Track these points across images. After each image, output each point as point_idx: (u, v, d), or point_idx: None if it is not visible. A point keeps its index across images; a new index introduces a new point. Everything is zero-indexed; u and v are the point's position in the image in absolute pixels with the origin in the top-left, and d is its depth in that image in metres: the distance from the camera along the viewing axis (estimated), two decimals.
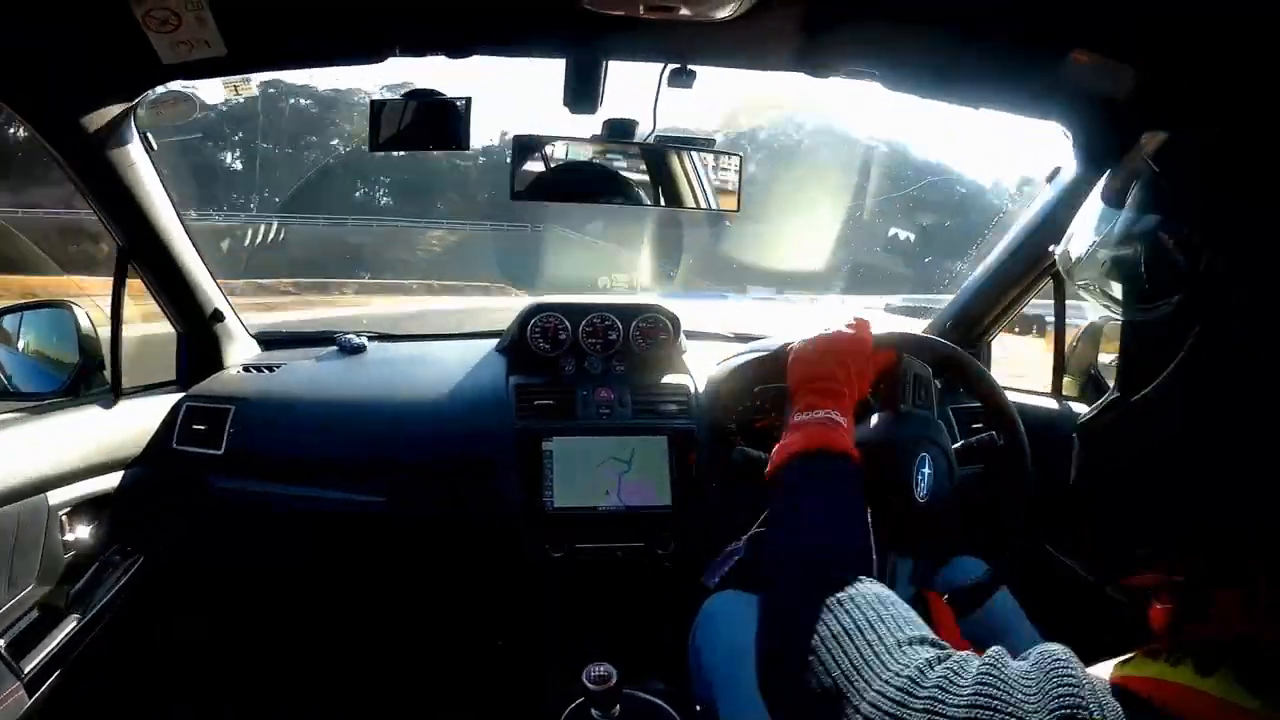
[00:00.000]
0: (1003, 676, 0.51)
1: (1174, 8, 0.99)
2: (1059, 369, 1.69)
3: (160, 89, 1.33)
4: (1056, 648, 0.53)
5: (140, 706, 1.72)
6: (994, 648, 0.54)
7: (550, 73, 1.34)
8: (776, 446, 0.84)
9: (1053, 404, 1.69)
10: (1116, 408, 0.60)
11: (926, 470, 1.05)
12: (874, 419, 1.08)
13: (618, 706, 1.33)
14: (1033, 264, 1.66)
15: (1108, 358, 1.68)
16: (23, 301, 1.67)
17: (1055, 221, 1.56)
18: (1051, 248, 1.48)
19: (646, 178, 1.47)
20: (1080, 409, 1.64)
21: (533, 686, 1.62)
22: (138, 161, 1.43)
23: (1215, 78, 1.05)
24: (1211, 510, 0.53)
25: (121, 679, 1.64)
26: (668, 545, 1.62)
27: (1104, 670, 0.54)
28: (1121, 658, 0.55)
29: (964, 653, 0.56)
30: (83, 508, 1.47)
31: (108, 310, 1.59)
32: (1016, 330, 1.89)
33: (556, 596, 1.69)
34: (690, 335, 1.92)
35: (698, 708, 1.42)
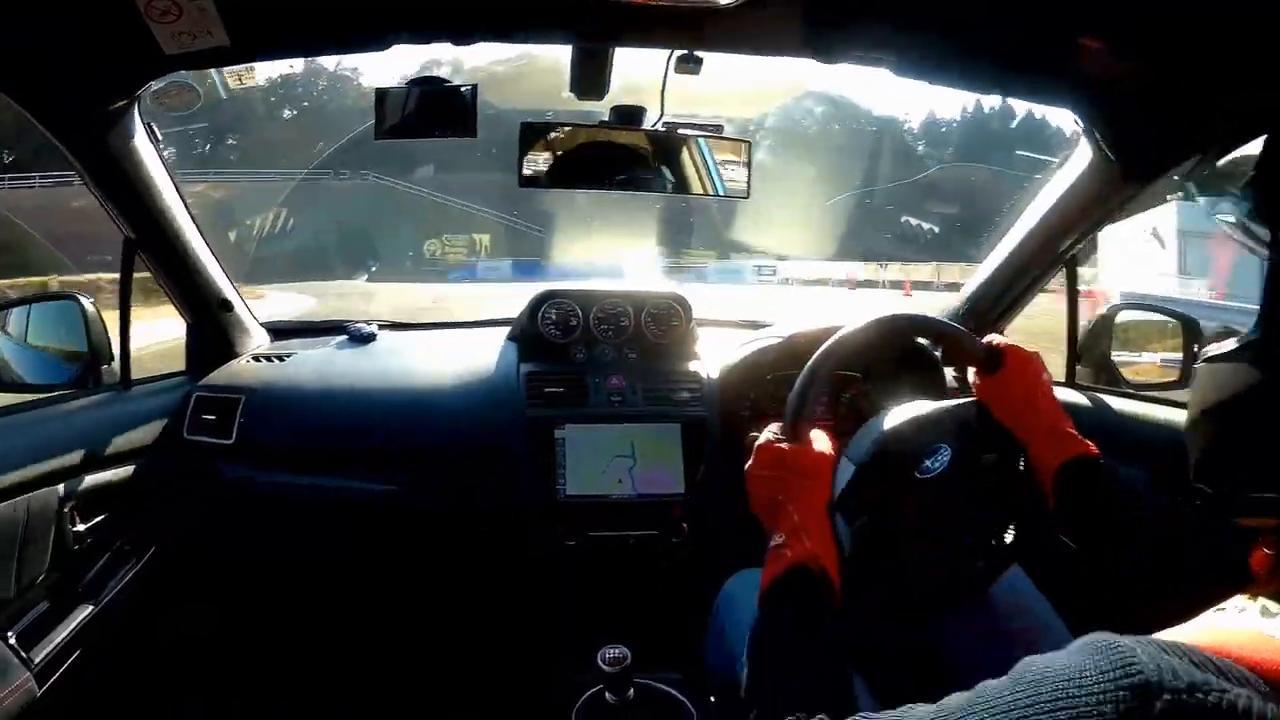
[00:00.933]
0: (1038, 667, 0.51)
1: None
2: (1072, 358, 1.68)
3: (164, 79, 1.33)
4: (1096, 634, 0.53)
5: (150, 697, 1.73)
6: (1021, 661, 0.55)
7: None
8: None
9: (1066, 394, 1.67)
10: (1252, 349, 0.60)
11: (928, 462, 1.05)
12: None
13: (631, 690, 1.33)
14: (1046, 251, 1.64)
15: (1119, 347, 1.67)
16: (30, 295, 1.68)
17: (1067, 209, 1.54)
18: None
19: (655, 164, 1.46)
20: (1093, 398, 1.64)
21: (546, 675, 1.62)
22: (143, 152, 1.42)
23: (1228, 62, 1.04)
24: None
25: (132, 669, 1.66)
26: (681, 533, 1.62)
27: (1168, 634, 0.54)
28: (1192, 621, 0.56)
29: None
30: (93, 498, 1.47)
31: None
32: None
33: (569, 585, 1.69)
34: (702, 322, 1.91)
35: (711, 699, 1.43)
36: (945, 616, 1.12)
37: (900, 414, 1.11)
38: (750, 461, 0.98)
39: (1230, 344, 0.63)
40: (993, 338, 1.11)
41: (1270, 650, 0.49)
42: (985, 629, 1.08)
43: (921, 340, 1.66)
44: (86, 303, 1.61)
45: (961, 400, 1.10)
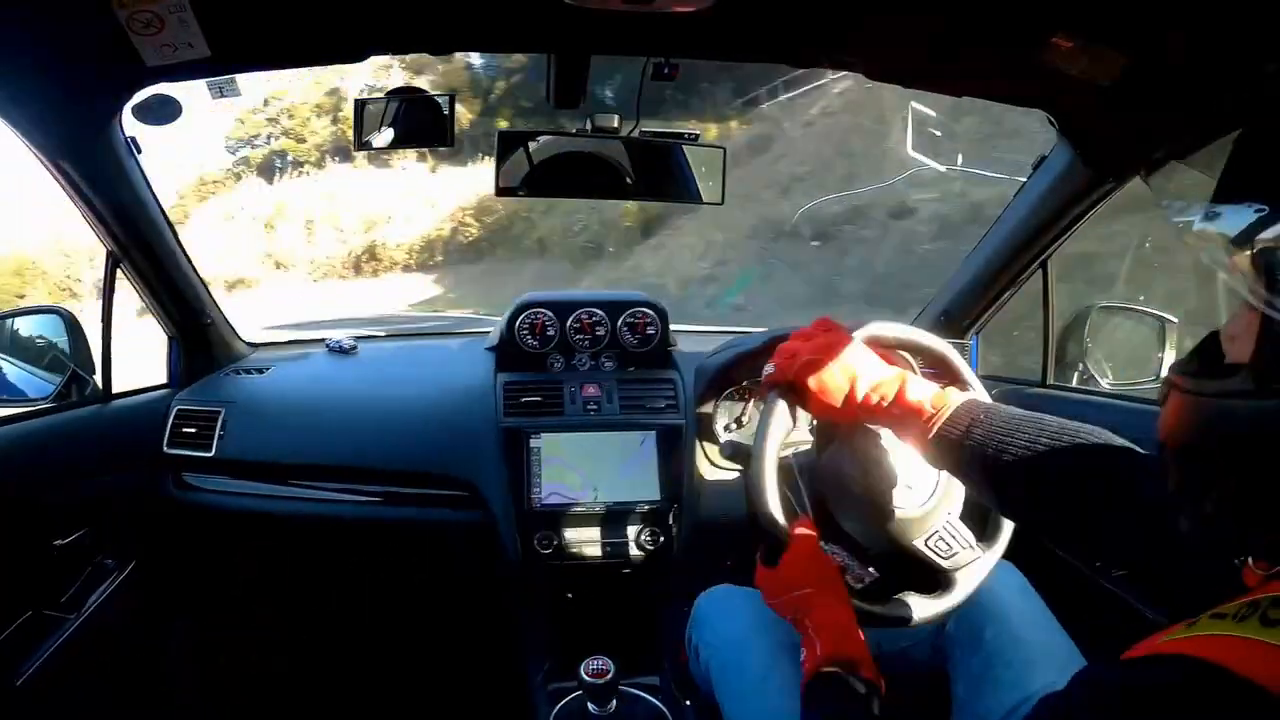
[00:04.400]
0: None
1: None
2: (1047, 357, 1.69)
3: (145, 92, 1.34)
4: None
5: (133, 710, 1.72)
6: None
7: None
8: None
9: (1042, 394, 1.69)
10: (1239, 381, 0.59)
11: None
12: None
13: (614, 701, 1.33)
14: (1021, 254, 1.65)
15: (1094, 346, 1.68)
16: (14, 309, 1.68)
17: (1043, 210, 1.56)
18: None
19: (632, 171, 1.48)
20: (1069, 398, 1.65)
21: (523, 684, 1.61)
22: (125, 165, 1.43)
23: (1203, 60, 1.06)
24: None
25: (113, 682, 1.64)
26: (657, 539, 1.61)
27: (1169, 640, 0.55)
28: (1184, 623, 0.56)
29: None
30: (74, 512, 1.47)
31: None
32: None
33: (545, 593, 1.68)
34: (679, 330, 1.92)
35: (687, 702, 1.43)
36: (946, 626, 1.12)
37: None
38: (764, 594, 0.98)
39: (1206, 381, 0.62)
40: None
41: (1271, 661, 0.48)
42: (987, 639, 1.08)
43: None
44: (70, 316, 1.62)
45: None
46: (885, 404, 0.92)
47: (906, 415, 0.92)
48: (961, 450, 0.88)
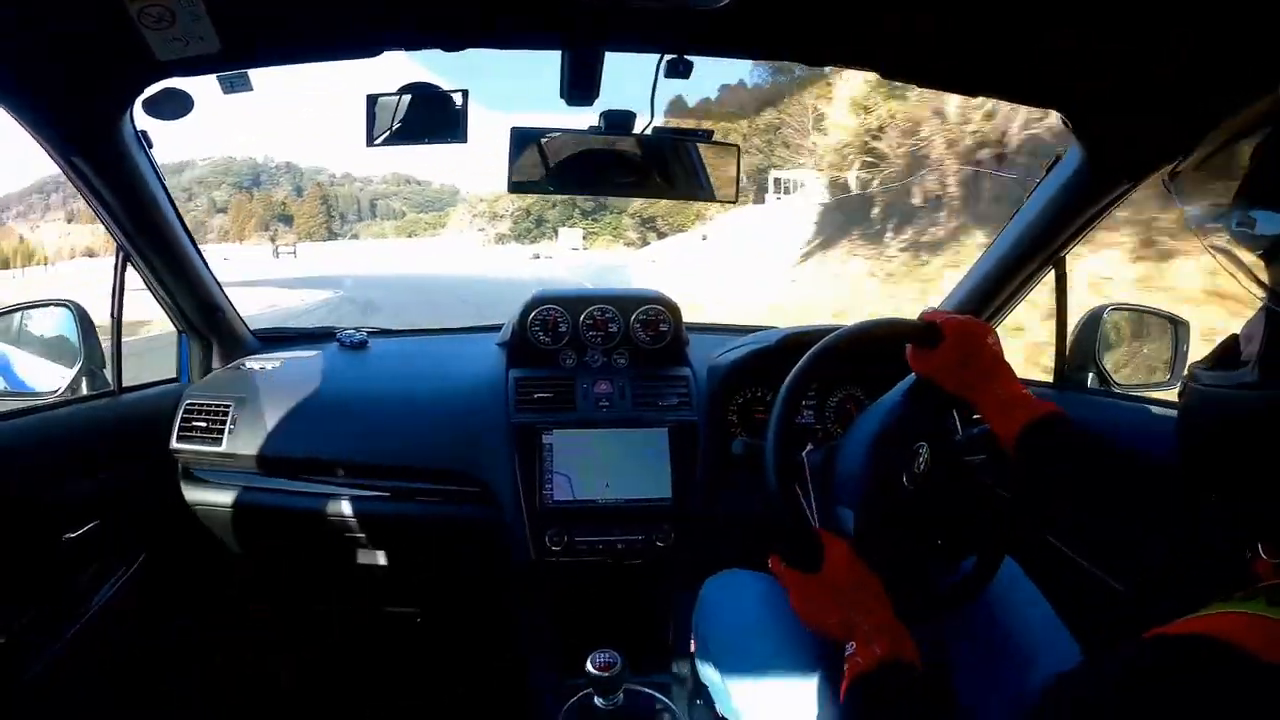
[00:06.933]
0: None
1: None
2: (1061, 358, 1.68)
3: (156, 87, 1.33)
4: None
5: (140, 705, 1.73)
6: None
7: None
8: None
9: (1055, 394, 1.68)
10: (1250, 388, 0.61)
11: (912, 467, 1.06)
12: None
13: (621, 694, 1.33)
14: (1035, 252, 1.64)
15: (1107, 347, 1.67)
16: (25, 301, 1.68)
17: (1057, 210, 1.55)
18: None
19: (645, 168, 1.46)
20: (1082, 399, 1.64)
21: (533, 680, 1.61)
22: (136, 160, 1.42)
23: (1216, 59, 1.05)
24: None
25: (121, 677, 1.65)
26: (668, 537, 1.61)
27: (1166, 626, 0.56)
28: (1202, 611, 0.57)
29: None
30: (83, 506, 1.47)
31: None
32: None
33: (556, 590, 1.69)
34: (691, 327, 1.91)
35: (698, 700, 1.43)
36: (945, 620, 1.12)
37: (866, 435, 1.11)
38: (794, 600, 0.97)
39: (1218, 373, 0.65)
40: (929, 311, 1.12)
41: (1270, 632, 0.50)
42: (985, 632, 1.08)
43: None
44: (80, 309, 1.61)
45: (901, 384, 1.12)
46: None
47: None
48: None
